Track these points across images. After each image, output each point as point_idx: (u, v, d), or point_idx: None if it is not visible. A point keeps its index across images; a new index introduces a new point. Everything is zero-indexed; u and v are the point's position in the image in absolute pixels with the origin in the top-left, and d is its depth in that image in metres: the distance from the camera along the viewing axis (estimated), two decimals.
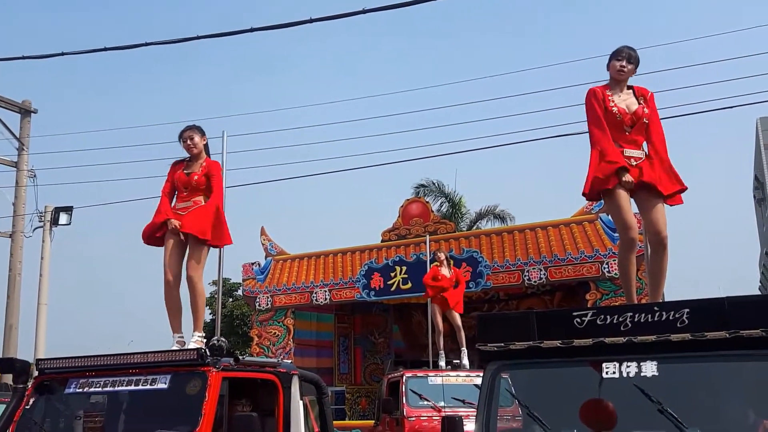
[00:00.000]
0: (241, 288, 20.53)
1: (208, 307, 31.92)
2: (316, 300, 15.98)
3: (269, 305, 16.54)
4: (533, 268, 13.69)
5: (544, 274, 13.67)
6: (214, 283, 31.37)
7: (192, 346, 5.09)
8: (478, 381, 9.81)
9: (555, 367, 3.94)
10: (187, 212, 5.45)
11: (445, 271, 10.54)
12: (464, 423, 4.49)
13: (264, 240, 17.62)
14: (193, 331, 5.38)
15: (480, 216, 23.03)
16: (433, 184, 22.72)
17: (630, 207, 4.47)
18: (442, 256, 10.73)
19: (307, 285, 16.18)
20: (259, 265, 17.23)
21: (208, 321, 31.70)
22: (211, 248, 5.60)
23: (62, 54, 10.77)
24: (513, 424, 4.41)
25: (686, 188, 4.48)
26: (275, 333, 16.55)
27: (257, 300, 16.72)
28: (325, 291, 15.87)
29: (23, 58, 11.49)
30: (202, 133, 5.63)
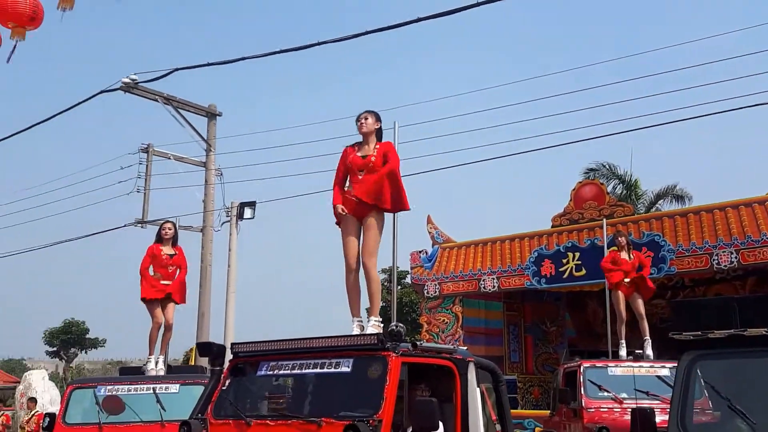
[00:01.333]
0: (408, 276, 20.89)
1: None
2: (484, 287, 15.84)
3: (437, 293, 16.66)
4: (723, 251, 12.59)
5: (736, 258, 12.54)
6: (384, 271, 32.35)
7: (370, 330, 5.21)
8: (663, 372, 9.25)
9: (759, 356, 3.72)
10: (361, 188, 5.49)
11: (625, 255, 9.96)
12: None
13: (430, 228, 17.77)
14: (369, 316, 5.50)
15: (658, 197, 21.76)
16: (604, 166, 21.83)
17: None
18: (623, 240, 10.13)
19: (475, 272, 16.09)
20: (426, 253, 17.41)
21: (381, 307, 32.71)
22: (386, 213, 5.61)
23: (242, 59, 11.46)
24: (703, 418, 4.13)
25: None
26: (444, 320, 16.66)
27: (425, 287, 16.91)
28: (494, 278, 15.69)
29: (208, 64, 12.38)
30: (377, 118, 5.70)
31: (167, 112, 16.53)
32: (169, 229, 8.33)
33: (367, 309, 5.72)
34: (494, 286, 15.69)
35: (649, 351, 9.47)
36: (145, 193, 17.07)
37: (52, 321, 48.25)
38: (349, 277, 5.52)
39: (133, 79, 15.26)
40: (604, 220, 12.82)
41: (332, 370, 4.70)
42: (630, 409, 7.66)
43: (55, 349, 45.91)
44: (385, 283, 32.46)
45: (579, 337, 17.17)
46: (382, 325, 5.32)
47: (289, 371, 4.91)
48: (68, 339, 45.15)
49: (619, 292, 9.84)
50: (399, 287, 31.20)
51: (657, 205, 21.25)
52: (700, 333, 4.01)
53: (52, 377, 27.45)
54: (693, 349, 4.09)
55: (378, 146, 5.63)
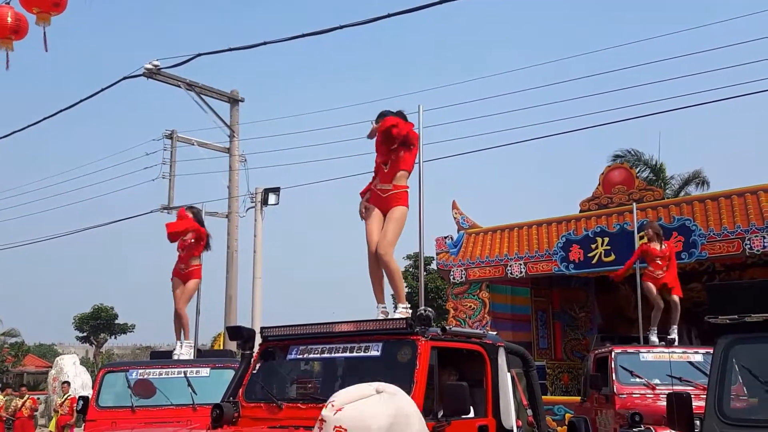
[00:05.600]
0: (434, 261, 20.82)
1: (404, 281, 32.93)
2: (511, 273, 15.71)
3: (463, 278, 16.56)
4: (755, 236, 12.33)
5: None
6: (410, 257, 32.30)
7: (398, 317, 5.18)
8: (695, 358, 9.11)
9: None
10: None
11: (656, 246, 9.78)
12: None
13: (456, 213, 17.64)
14: (397, 303, 5.47)
15: (686, 182, 21.51)
16: (630, 153, 21.59)
17: None
18: (651, 232, 9.92)
19: (501, 258, 15.96)
20: (451, 238, 17.29)
21: (406, 294, 32.73)
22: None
23: (264, 43, 11.43)
24: (738, 404, 4.05)
25: None
26: (471, 306, 16.57)
27: (451, 273, 16.83)
28: (521, 264, 15.55)
29: (230, 50, 12.34)
30: (403, 120, 5.68)
31: (190, 98, 16.58)
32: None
33: (392, 296, 5.70)
34: (521, 272, 15.56)
35: (674, 335, 9.37)
36: (170, 180, 17.17)
37: (82, 307, 49.11)
38: (372, 264, 5.51)
39: (155, 65, 15.26)
40: (634, 204, 12.61)
41: (362, 354, 4.70)
42: (663, 395, 7.59)
43: (85, 334, 46.74)
44: (411, 269, 32.43)
45: (609, 323, 17.00)
46: (410, 311, 5.29)
47: (318, 355, 4.92)
48: (98, 324, 45.93)
49: (649, 283, 9.68)
50: (425, 273, 31.17)
51: (685, 190, 21.00)
52: (736, 317, 3.90)
53: (83, 362, 27.93)
54: (730, 333, 3.98)
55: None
